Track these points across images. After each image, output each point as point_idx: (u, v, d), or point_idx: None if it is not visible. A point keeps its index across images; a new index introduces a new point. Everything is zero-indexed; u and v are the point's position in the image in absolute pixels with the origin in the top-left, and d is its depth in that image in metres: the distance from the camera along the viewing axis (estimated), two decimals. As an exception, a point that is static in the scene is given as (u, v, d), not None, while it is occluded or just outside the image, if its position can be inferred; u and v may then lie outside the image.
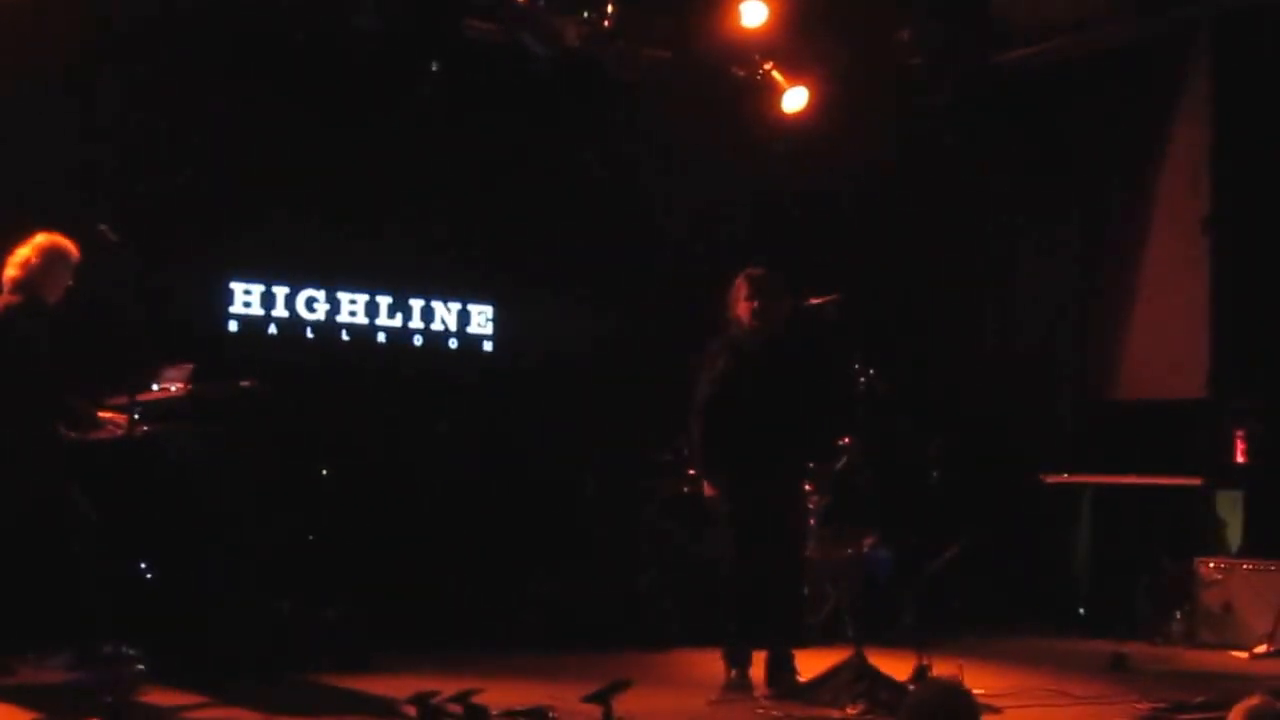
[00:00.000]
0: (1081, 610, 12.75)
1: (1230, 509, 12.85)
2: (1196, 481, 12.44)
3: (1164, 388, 13.29)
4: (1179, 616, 12.08)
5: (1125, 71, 13.67)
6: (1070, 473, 13.02)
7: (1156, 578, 12.43)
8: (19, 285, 8.53)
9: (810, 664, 9.20)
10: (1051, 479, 13.06)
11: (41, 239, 8.59)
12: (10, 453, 8.40)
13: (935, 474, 11.08)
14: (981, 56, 13.49)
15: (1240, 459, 12.55)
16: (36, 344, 8.42)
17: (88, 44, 10.61)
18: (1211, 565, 11.98)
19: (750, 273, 9.38)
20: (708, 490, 9.29)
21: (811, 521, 11.29)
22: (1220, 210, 13.12)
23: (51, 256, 8.58)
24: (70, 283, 8.66)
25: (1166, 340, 13.43)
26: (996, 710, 8.25)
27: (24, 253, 8.55)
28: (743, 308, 9.32)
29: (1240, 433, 12.53)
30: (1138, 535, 12.69)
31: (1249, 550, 12.34)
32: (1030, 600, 13.08)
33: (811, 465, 9.77)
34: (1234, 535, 12.78)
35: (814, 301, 9.23)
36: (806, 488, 10.52)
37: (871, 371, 9.06)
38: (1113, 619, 12.36)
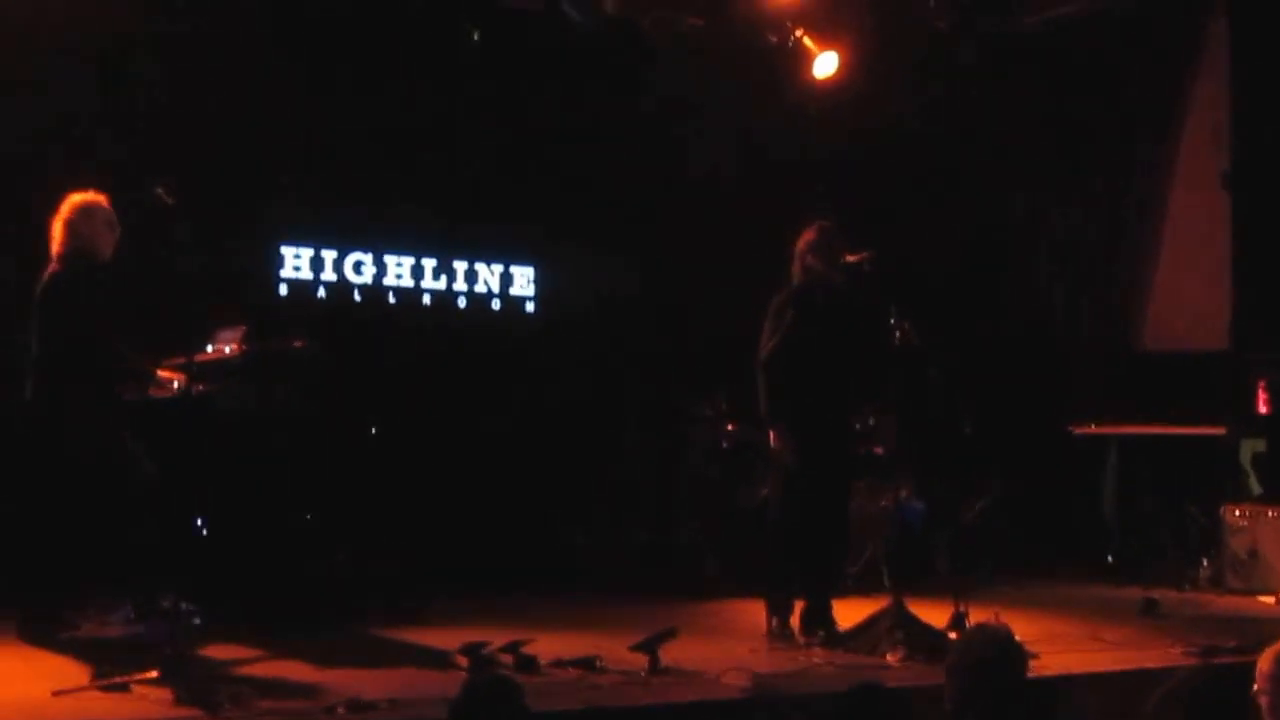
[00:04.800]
0: (1110, 558, 12.57)
1: (1248, 457, 12.71)
2: (1220, 431, 12.23)
3: (1188, 340, 13.12)
4: (1206, 563, 11.93)
5: (1146, 30, 13.47)
6: (1097, 424, 12.81)
7: (1183, 525, 12.31)
8: (68, 250, 8.37)
9: (846, 613, 9.05)
10: (1079, 430, 12.88)
11: (75, 199, 8.43)
12: (72, 411, 8.28)
13: (968, 427, 10.90)
14: (1006, 18, 13.36)
15: (1262, 409, 12.37)
16: (91, 306, 8.28)
17: (144, 11, 10.49)
18: (1237, 512, 11.81)
19: (822, 224, 9.15)
20: (774, 441, 9.04)
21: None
22: (1240, 165, 12.92)
23: (89, 213, 8.42)
24: (117, 235, 8.51)
25: (1190, 293, 13.28)
26: (1035, 655, 8.02)
27: (64, 218, 8.39)
28: (814, 258, 9.07)
29: (1262, 383, 12.35)
30: (1164, 484, 12.55)
31: (1271, 497, 12.15)
32: (1060, 548, 12.94)
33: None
34: (1252, 483, 12.62)
35: (849, 258, 9.03)
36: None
37: (905, 325, 8.86)
38: (1140, 566, 12.18)
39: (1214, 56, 13.15)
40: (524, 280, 12.71)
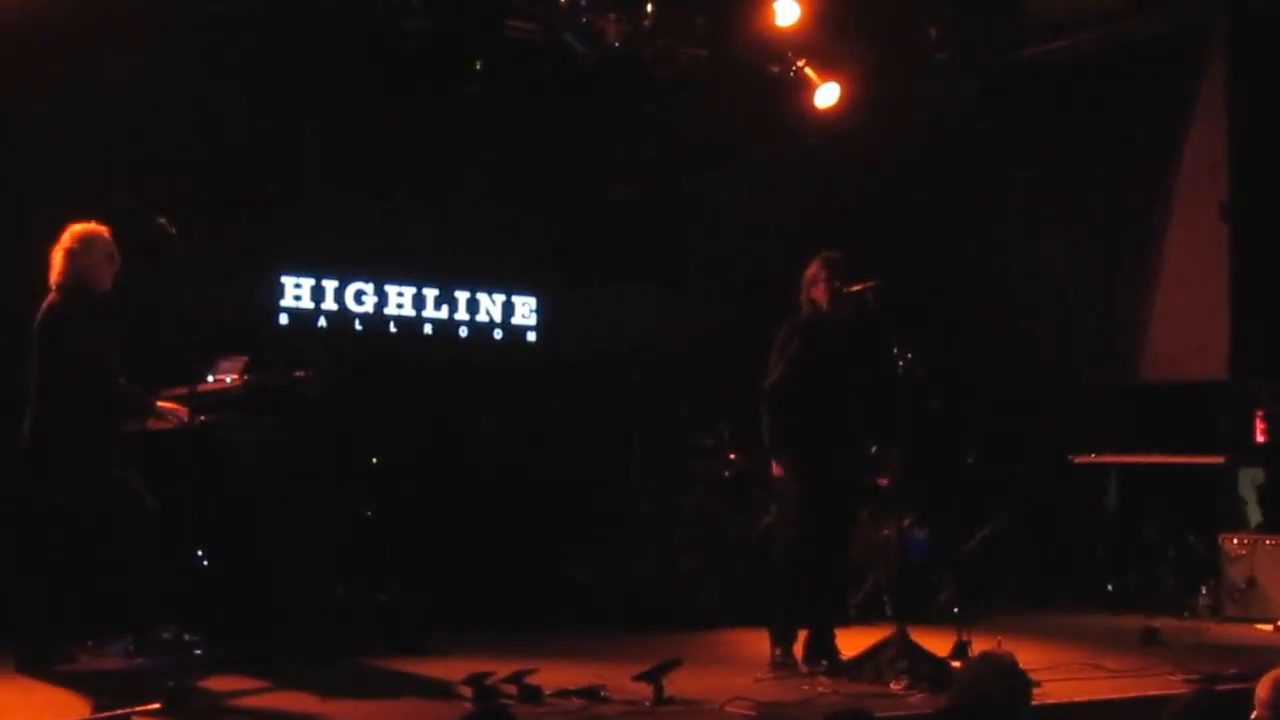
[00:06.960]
0: (1110, 586, 12.53)
1: (1246, 486, 12.74)
2: (1219, 460, 12.23)
3: (1187, 370, 13.07)
4: (1205, 591, 11.93)
5: (1146, 63, 13.47)
6: (1097, 453, 12.80)
7: (1182, 554, 12.32)
8: (67, 280, 8.30)
9: (849, 643, 8.97)
10: (1079, 459, 12.85)
11: (76, 229, 8.35)
12: (71, 443, 8.20)
13: (971, 457, 10.85)
14: (1007, 51, 13.35)
15: (1260, 438, 12.35)
16: (89, 337, 8.21)
17: (142, 40, 10.44)
18: (1235, 541, 11.82)
19: (828, 255, 9.11)
20: (776, 470, 9.00)
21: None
22: (1238, 196, 12.89)
23: (90, 243, 8.35)
24: (117, 266, 8.44)
25: (1188, 324, 13.20)
26: (1037, 684, 8.01)
27: (64, 248, 8.32)
28: (820, 290, 9.03)
29: (1260, 413, 12.33)
30: (1163, 513, 12.59)
31: (1269, 526, 12.15)
32: (1061, 577, 12.94)
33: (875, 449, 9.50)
34: (1252, 512, 12.66)
35: (852, 288, 8.99)
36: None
37: (909, 355, 8.82)
38: (1140, 594, 12.20)
39: (1212, 87, 13.08)
40: (525, 309, 12.64)
